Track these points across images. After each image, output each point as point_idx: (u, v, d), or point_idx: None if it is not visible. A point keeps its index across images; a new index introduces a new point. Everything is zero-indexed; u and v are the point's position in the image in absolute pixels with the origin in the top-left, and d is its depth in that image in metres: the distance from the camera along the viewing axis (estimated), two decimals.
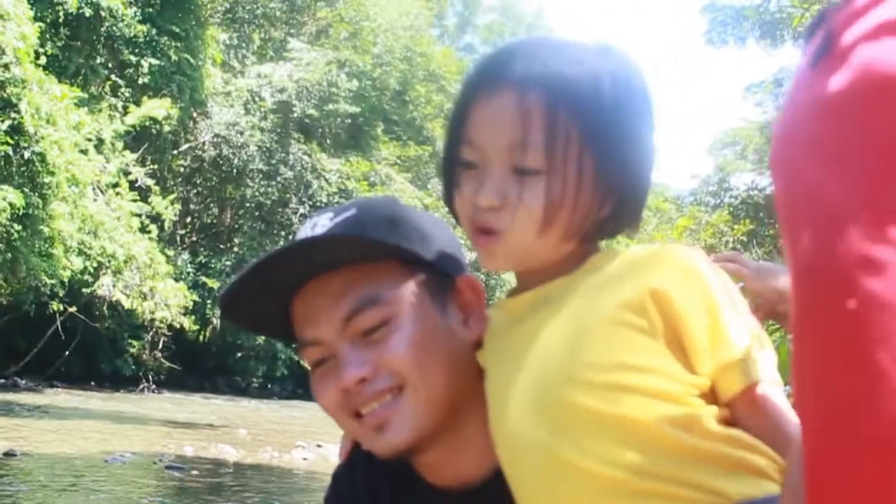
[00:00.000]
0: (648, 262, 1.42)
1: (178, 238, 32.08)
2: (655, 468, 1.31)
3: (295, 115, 34.74)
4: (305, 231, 1.58)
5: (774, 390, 1.38)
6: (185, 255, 31.75)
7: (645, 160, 1.45)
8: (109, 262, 24.98)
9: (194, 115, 31.50)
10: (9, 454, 12.48)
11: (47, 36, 24.30)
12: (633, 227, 1.49)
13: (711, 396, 1.36)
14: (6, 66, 20.68)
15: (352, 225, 1.55)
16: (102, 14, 26.72)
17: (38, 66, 22.24)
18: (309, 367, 1.56)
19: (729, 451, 1.32)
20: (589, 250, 1.47)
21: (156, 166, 29.82)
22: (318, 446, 16.14)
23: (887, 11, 0.79)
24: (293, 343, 1.61)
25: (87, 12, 26.34)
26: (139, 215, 27.12)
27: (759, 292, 2.13)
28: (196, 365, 32.73)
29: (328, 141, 36.10)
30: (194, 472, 13.12)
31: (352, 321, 1.49)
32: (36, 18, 22.60)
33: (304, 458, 15.46)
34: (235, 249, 33.67)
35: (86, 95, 25.78)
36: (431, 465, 1.57)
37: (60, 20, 25.85)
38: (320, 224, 1.56)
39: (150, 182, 28.67)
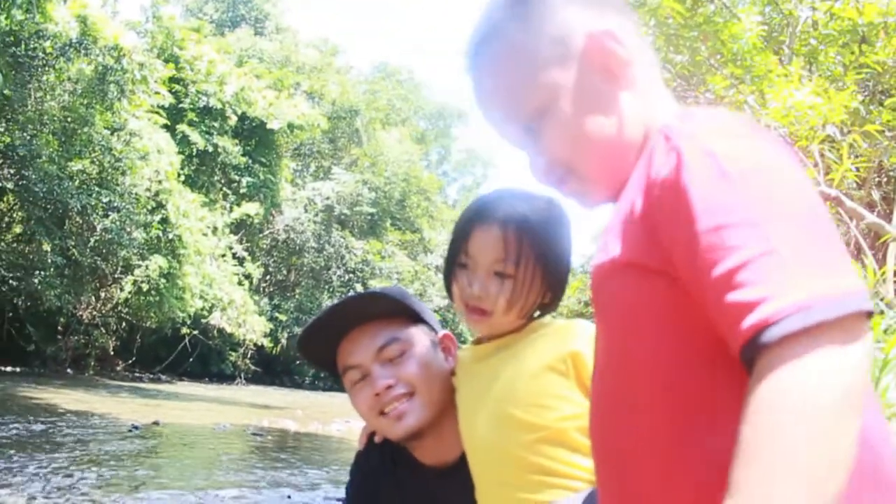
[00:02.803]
0: (569, 332, 1.42)
1: (262, 289, 31.62)
2: (560, 455, 1.34)
3: (335, 213, 34.27)
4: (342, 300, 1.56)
5: None
6: (265, 300, 31.24)
7: (567, 267, 1.45)
8: (219, 303, 24.83)
9: (273, 213, 31.16)
10: (155, 423, 12.30)
11: (185, 162, 24.31)
12: (556, 307, 1.48)
13: None
14: (160, 182, 20.80)
15: (379, 295, 1.57)
16: (219, 150, 26.73)
17: (179, 181, 22.42)
18: (348, 388, 1.54)
19: None
20: (531, 319, 1.46)
21: (248, 244, 29.63)
22: (347, 422, 15.53)
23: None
24: (331, 375, 1.59)
25: (210, 148, 26.39)
26: (237, 275, 26.98)
27: None
28: (270, 368, 32.03)
29: (355, 230, 35.59)
30: (269, 437, 12.86)
31: (381, 351, 1.50)
32: (179, 152, 22.86)
33: (338, 430, 15.02)
34: (296, 297, 33.17)
35: (207, 200, 25.90)
36: (423, 450, 1.54)
37: (194, 153, 25.84)
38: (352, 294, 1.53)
39: (245, 254, 28.62)
